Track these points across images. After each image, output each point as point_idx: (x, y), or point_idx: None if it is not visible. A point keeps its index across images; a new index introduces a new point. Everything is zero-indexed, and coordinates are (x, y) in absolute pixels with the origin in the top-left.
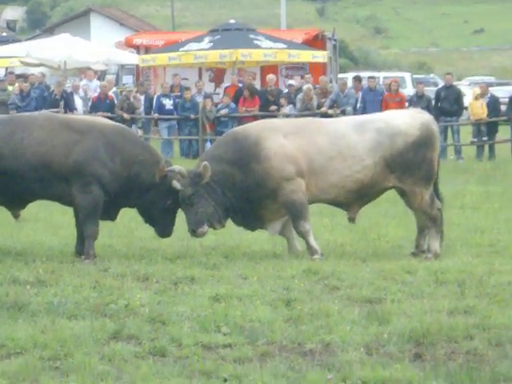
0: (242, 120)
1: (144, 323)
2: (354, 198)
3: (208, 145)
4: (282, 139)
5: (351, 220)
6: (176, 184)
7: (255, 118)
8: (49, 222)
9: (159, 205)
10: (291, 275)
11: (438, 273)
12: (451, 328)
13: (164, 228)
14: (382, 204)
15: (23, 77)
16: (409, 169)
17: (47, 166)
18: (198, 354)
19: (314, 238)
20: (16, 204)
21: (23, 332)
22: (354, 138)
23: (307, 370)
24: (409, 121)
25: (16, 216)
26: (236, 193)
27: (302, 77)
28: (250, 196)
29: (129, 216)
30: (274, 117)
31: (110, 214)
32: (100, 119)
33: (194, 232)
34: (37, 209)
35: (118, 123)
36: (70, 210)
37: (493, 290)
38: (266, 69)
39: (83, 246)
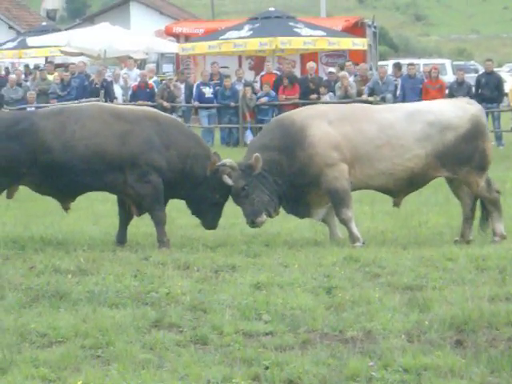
0: (282, 108)
1: (185, 311)
2: (404, 186)
3: (248, 133)
4: (327, 126)
5: (396, 204)
6: (227, 179)
7: (295, 106)
8: (90, 211)
9: (208, 198)
10: (332, 263)
11: (479, 259)
12: (492, 315)
13: (211, 221)
14: (423, 191)
15: (63, 66)
16: (461, 161)
17: (100, 157)
18: (240, 341)
19: (355, 225)
20: (67, 196)
21: (65, 321)
22: (402, 128)
23: (348, 357)
24: (459, 113)
25: (66, 208)
26: (285, 180)
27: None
28: (296, 183)
29: (169, 205)
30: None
31: None
32: (152, 110)
33: (253, 222)
34: (78, 198)
35: (170, 115)
36: (110, 199)
37: None
38: (306, 56)
39: (125, 235)
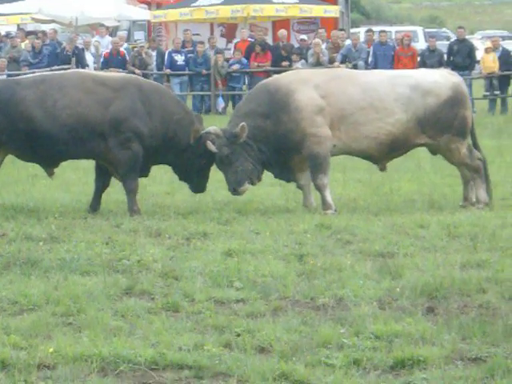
0: (253, 75)
1: (157, 279)
2: (386, 152)
3: (220, 100)
4: (313, 90)
5: (382, 169)
6: (211, 146)
7: (267, 73)
8: (61, 178)
9: (194, 164)
10: (304, 230)
11: (450, 227)
12: (464, 282)
13: (198, 185)
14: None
15: (34, 33)
16: (441, 127)
17: (84, 125)
18: (211, 309)
19: (330, 193)
20: (50, 163)
21: (36, 288)
22: (386, 91)
23: (320, 324)
24: (441, 80)
25: (50, 174)
26: (270, 146)
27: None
28: (280, 148)
29: None
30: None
31: (144, 170)
32: (135, 76)
33: (235, 191)
34: None
35: (153, 81)
36: (81, 167)
37: (505, 243)
38: (278, 24)
39: (98, 202)
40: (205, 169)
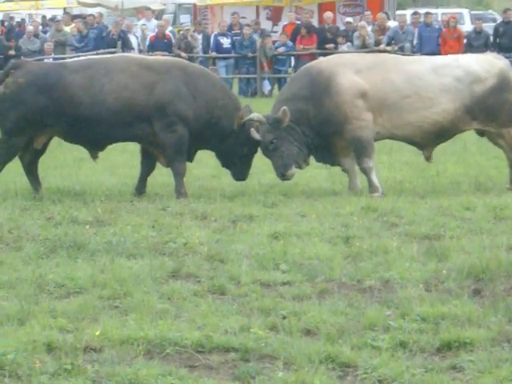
0: (299, 58)
1: (203, 261)
2: (432, 139)
3: (266, 83)
4: (355, 75)
5: (428, 159)
6: (254, 134)
7: (312, 55)
8: (107, 161)
9: (237, 150)
10: (350, 212)
11: (496, 209)
12: (510, 264)
13: (240, 172)
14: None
15: (80, 17)
16: (490, 114)
17: (129, 109)
18: (257, 291)
19: (376, 175)
20: (96, 146)
21: (82, 271)
22: (431, 80)
23: (366, 306)
24: (487, 67)
25: (95, 157)
26: (313, 130)
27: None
28: (322, 132)
29: None
30: (331, 54)
31: (189, 154)
32: (180, 60)
33: (283, 175)
34: None
35: (199, 65)
36: (127, 149)
37: None
38: (324, 6)
39: (144, 185)
40: (248, 156)
